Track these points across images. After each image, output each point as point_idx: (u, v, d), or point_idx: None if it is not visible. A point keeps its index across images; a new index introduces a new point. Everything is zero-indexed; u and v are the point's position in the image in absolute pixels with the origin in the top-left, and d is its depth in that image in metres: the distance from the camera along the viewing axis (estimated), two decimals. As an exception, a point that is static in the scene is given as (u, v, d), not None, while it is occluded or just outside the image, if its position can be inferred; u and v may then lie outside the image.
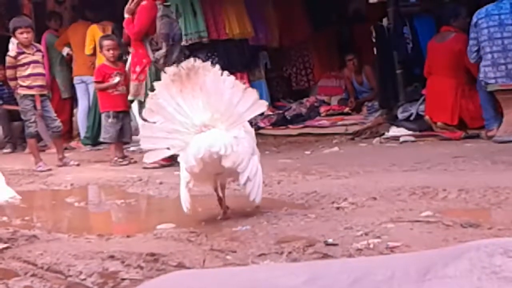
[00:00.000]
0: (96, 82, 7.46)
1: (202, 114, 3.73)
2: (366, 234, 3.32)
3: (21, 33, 7.15)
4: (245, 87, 3.87)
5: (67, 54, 9.60)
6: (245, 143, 3.85)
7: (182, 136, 3.75)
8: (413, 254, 1.82)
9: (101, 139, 7.79)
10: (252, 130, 4.11)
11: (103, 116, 7.47)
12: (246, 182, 3.82)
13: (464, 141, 6.88)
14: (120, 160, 7.21)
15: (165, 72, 3.82)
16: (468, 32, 7.07)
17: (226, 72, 3.84)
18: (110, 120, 7.30)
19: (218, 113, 3.73)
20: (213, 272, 1.79)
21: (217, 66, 3.84)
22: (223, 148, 3.66)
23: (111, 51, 7.36)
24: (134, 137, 8.81)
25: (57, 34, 9.82)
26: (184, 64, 3.81)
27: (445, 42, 7.49)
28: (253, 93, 3.84)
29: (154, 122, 3.88)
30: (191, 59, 3.82)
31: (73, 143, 9.20)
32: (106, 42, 7.49)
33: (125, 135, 7.45)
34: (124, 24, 7.00)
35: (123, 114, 7.41)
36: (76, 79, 9.50)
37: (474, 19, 6.90)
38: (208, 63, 3.86)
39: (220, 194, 4.09)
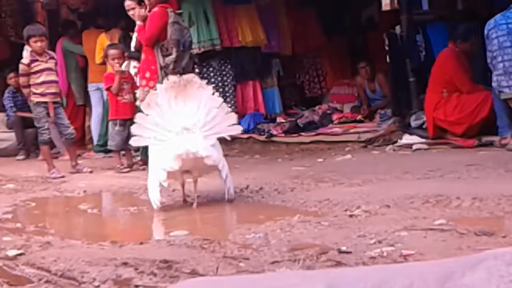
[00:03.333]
0: (108, 88, 7.45)
1: (187, 119, 4.50)
2: (380, 242, 3.31)
3: (35, 41, 7.19)
4: (228, 110, 4.79)
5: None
6: (219, 150, 4.78)
7: (165, 131, 4.53)
8: (430, 262, 1.81)
9: (108, 147, 7.82)
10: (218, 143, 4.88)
11: (110, 123, 7.50)
12: (226, 178, 4.71)
13: (478, 149, 6.84)
14: (122, 167, 7.24)
15: (168, 79, 4.69)
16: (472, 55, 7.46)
17: (217, 93, 4.81)
18: (117, 128, 7.32)
19: (200, 122, 4.52)
20: (230, 280, 1.79)
21: (211, 87, 4.80)
22: (201, 150, 4.42)
23: (116, 60, 7.36)
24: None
25: (74, 41, 9.83)
26: (185, 76, 4.68)
27: (438, 56, 7.58)
28: (233, 117, 4.74)
29: (147, 115, 4.63)
30: (195, 70, 4.60)
31: (85, 154, 9.19)
32: (112, 52, 7.47)
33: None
34: (136, 30, 7.04)
35: (130, 122, 7.39)
36: (91, 86, 9.52)
37: (485, 31, 6.88)
38: (205, 81, 4.77)
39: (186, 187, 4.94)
